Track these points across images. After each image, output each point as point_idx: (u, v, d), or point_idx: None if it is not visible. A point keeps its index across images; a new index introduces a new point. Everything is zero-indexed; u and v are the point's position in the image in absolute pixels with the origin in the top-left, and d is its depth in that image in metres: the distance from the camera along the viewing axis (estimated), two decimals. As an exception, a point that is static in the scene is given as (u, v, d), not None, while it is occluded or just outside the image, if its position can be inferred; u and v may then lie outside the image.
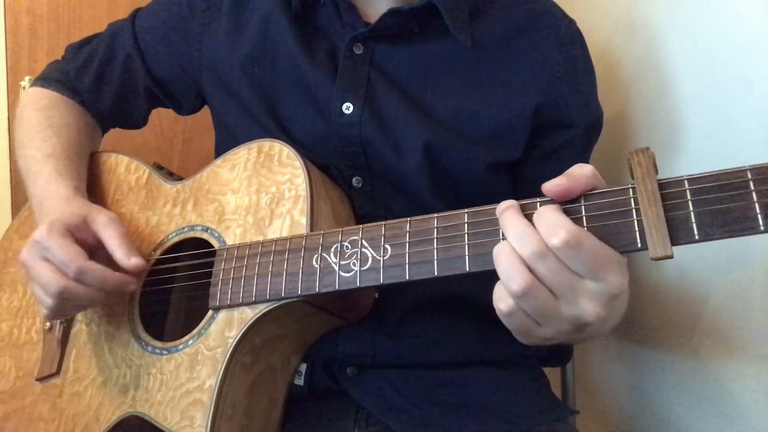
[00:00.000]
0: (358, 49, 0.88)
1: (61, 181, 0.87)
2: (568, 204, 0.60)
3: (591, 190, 0.60)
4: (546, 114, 0.89)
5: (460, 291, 0.86)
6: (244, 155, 0.83)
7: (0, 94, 1.40)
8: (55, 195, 0.85)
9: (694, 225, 0.55)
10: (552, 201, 0.61)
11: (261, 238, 0.77)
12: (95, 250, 0.81)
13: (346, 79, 0.87)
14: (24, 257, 0.79)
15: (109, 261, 0.79)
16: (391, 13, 0.86)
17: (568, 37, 0.92)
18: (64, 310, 0.80)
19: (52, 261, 0.76)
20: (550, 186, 0.60)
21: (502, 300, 0.60)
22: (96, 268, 0.76)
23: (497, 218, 0.62)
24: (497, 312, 0.61)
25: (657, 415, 1.05)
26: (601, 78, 0.97)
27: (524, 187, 0.91)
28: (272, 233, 0.77)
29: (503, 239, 0.61)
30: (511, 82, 0.88)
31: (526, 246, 0.58)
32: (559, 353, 1.00)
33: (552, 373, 1.01)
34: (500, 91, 0.88)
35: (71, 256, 0.75)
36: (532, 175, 0.91)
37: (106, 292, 0.78)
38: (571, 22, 0.94)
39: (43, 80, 1.02)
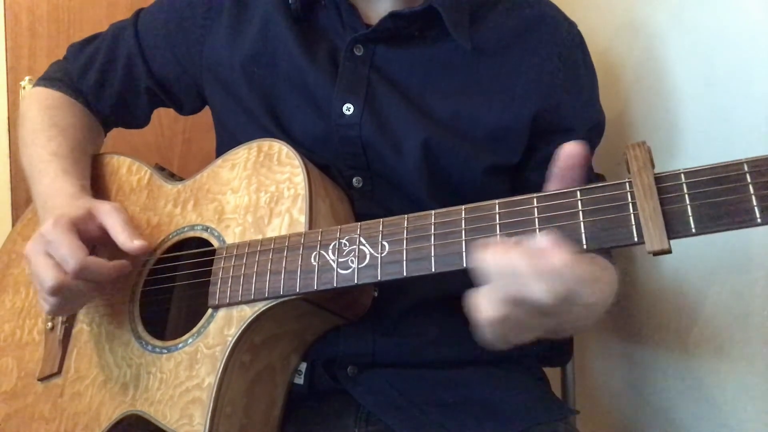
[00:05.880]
0: (359, 51, 0.88)
1: (68, 180, 0.88)
2: (564, 198, 0.60)
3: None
4: (545, 118, 0.89)
5: (460, 290, 0.85)
6: (243, 155, 0.84)
7: (0, 94, 1.41)
8: (61, 193, 0.86)
9: (691, 218, 0.55)
10: (548, 194, 0.61)
11: (260, 237, 0.77)
12: (101, 241, 0.81)
13: (346, 80, 0.87)
14: (28, 250, 0.79)
15: (113, 252, 0.80)
16: (392, 16, 0.86)
17: (569, 41, 0.92)
18: (66, 305, 0.80)
19: (53, 256, 0.76)
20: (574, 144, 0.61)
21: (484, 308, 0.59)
22: (96, 262, 0.77)
23: (495, 214, 0.63)
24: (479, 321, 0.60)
25: (657, 415, 1.05)
26: (602, 79, 0.98)
27: (524, 191, 0.91)
28: (271, 232, 0.77)
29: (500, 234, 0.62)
30: (511, 86, 0.88)
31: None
32: (559, 353, 0.99)
33: (552, 373, 1.00)
34: (499, 95, 0.88)
35: (71, 251, 0.75)
36: (532, 179, 0.91)
37: (106, 285, 0.79)
38: (572, 26, 0.94)
39: (46, 80, 1.02)
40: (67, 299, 0.78)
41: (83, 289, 0.77)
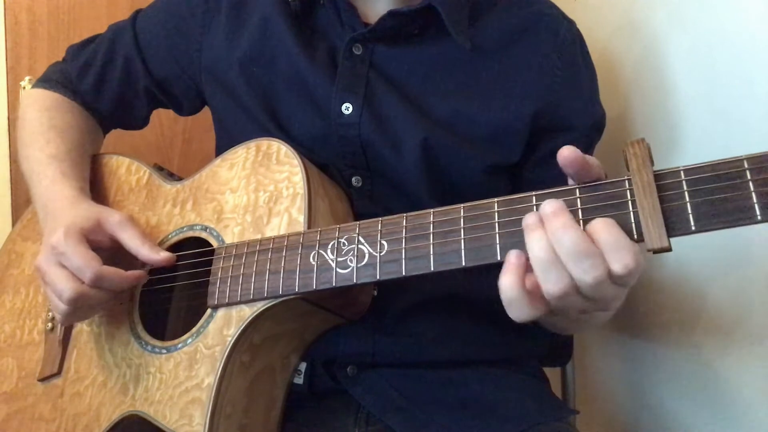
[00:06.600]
0: (358, 50, 0.88)
1: (66, 182, 0.88)
2: (563, 196, 0.60)
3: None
4: (545, 117, 0.89)
5: (460, 289, 0.85)
6: (242, 154, 0.84)
7: (0, 94, 1.40)
8: (60, 196, 0.86)
9: (691, 216, 0.55)
10: (547, 196, 0.61)
11: (259, 237, 0.77)
12: (108, 250, 0.82)
13: (345, 80, 0.87)
14: (40, 262, 0.79)
15: (122, 259, 0.81)
16: (391, 15, 0.86)
17: (568, 40, 0.92)
18: (78, 315, 0.80)
19: (68, 267, 0.77)
20: (568, 150, 0.59)
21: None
22: (112, 272, 0.77)
23: (494, 212, 0.62)
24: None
25: (657, 414, 1.05)
26: (602, 78, 0.98)
27: (524, 190, 0.91)
28: (270, 231, 0.77)
29: (500, 231, 0.61)
30: (510, 85, 0.88)
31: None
32: (559, 353, 0.99)
33: (552, 373, 1.00)
34: (499, 94, 0.88)
35: (86, 261, 0.76)
36: (533, 177, 0.91)
37: (117, 293, 0.80)
38: (571, 24, 0.94)
39: (45, 82, 1.02)
40: (81, 308, 0.78)
41: (98, 298, 0.78)
